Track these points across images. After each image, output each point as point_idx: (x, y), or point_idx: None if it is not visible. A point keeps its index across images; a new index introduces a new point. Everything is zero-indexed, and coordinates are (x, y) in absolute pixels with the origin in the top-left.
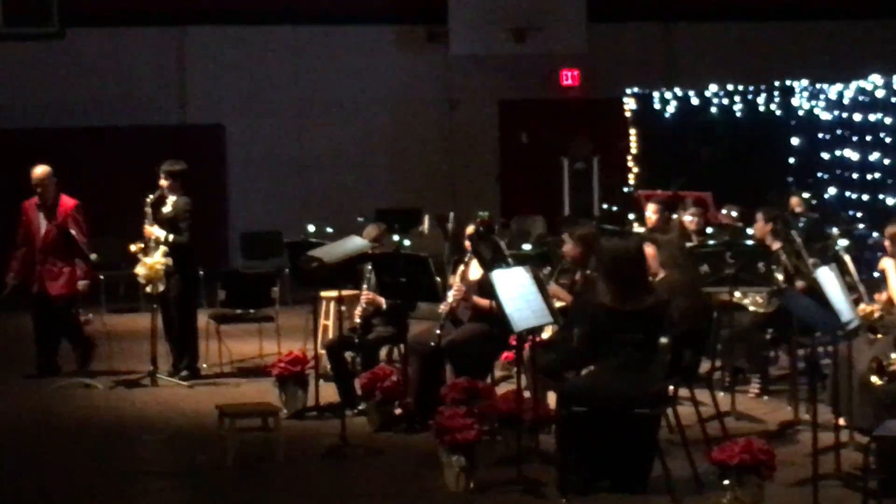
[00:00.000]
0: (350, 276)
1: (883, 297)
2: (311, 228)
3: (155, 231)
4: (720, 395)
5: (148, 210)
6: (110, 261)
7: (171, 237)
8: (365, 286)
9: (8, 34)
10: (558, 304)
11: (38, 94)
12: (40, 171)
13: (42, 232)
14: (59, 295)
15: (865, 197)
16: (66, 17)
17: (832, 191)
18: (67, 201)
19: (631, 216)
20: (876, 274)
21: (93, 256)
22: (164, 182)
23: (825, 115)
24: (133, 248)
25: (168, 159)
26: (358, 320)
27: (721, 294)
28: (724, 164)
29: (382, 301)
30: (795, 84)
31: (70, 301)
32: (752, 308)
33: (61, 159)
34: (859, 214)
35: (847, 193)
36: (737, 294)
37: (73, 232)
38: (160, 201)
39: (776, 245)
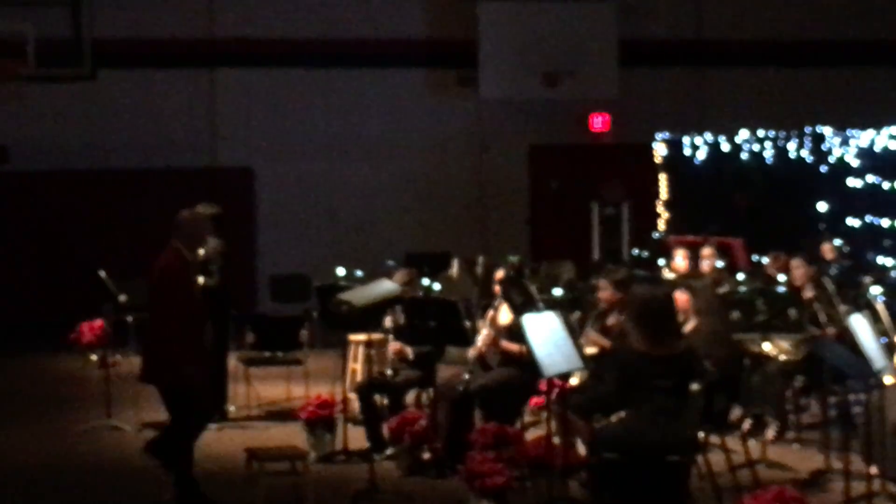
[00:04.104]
0: (380, 319)
1: None
2: (341, 272)
3: None
4: (752, 442)
5: None
6: (139, 303)
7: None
8: (391, 335)
9: (39, 76)
10: (597, 350)
11: (68, 135)
12: None
13: None
14: None
15: None
16: (97, 58)
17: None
18: None
19: (661, 262)
20: None
21: (122, 298)
22: None
23: (856, 162)
24: None
25: (199, 202)
26: (389, 371)
27: (751, 341)
28: (755, 211)
29: (409, 351)
30: (826, 130)
31: None
32: (774, 354)
33: (90, 201)
34: (891, 261)
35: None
36: (765, 345)
37: None
38: None
39: (810, 293)
